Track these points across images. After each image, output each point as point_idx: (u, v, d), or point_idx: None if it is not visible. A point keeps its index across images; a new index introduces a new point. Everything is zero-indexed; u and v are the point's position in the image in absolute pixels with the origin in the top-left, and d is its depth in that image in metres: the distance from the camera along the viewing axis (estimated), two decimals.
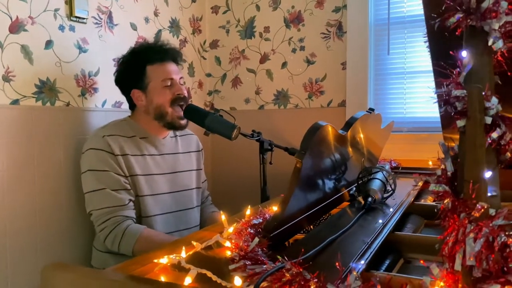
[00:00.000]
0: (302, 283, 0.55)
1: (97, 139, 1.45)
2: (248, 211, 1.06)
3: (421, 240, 1.00)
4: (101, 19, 1.76)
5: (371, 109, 1.26)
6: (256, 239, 0.72)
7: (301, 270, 0.57)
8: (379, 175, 1.21)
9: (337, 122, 2.08)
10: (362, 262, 0.73)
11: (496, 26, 0.56)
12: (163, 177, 1.55)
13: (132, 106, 1.60)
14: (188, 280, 0.63)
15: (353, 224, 0.96)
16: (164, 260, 0.70)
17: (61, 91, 1.61)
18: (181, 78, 1.58)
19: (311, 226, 1.13)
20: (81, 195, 1.64)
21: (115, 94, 1.82)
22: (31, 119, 1.50)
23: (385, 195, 1.20)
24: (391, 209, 1.14)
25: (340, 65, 2.08)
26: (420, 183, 1.61)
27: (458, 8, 0.60)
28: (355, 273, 0.51)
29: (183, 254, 0.76)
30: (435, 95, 1.47)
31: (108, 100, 1.80)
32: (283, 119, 2.21)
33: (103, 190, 1.39)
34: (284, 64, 2.22)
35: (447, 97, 0.56)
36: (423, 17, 2.03)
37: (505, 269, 0.43)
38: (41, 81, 1.54)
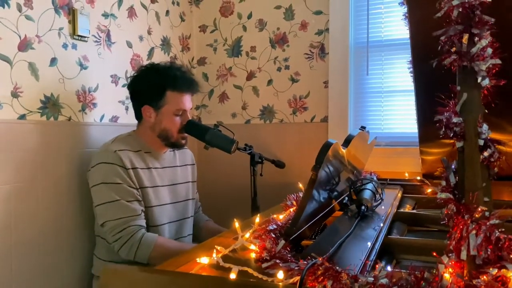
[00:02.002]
0: (335, 274, 0.67)
1: (108, 153, 1.52)
2: (257, 219, 1.18)
3: (411, 243, 1.14)
4: (100, 37, 1.84)
5: (363, 127, 1.41)
6: (283, 242, 0.83)
7: (330, 265, 0.69)
8: (369, 186, 1.35)
9: (320, 136, 2.24)
10: (371, 259, 0.85)
11: (483, 67, 0.71)
12: (165, 189, 1.64)
13: (139, 117, 1.68)
14: (232, 276, 0.73)
15: (353, 229, 1.08)
16: (205, 260, 0.81)
17: (63, 106, 1.67)
18: (191, 109, 1.69)
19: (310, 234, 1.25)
20: (83, 205, 1.71)
21: (112, 109, 1.91)
22: (37, 133, 1.56)
23: (375, 204, 1.34)
24: (382, 216, 1.28)
25: (323, 83, 2.24)
26: (399, 194, 1.77)
27: (452, 51, 0.75)
28: (381, 264, 0.63)
29: (214, 255, 0.87)
30: (415, 113, 1.63)
31: (105, 115, 1.87)
32: (268, 133, 2.34)
33: (118, 201, 1.47)
34: (269, 82, 2.35)
35: (446, 122, 0.70)
36: (399, 42, 2.22)
37: (500, 257, 0.57)
38: (46, 97, 1.60)
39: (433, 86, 1.33)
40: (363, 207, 1.25)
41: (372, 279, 0.63)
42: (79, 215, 1.70)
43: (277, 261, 0.78)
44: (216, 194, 2.28)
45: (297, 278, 0.70)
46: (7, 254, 1.45)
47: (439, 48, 0.79)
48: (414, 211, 1.56)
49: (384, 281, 0.60)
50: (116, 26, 1.93)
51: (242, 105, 2.42)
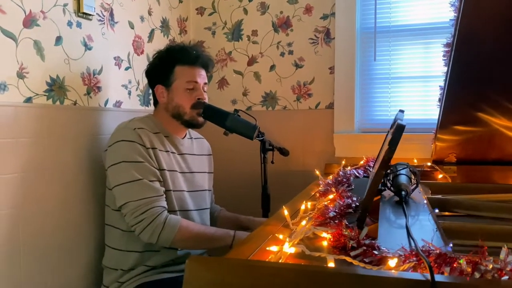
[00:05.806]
0: (449, 260, 0.63)
1: (128, 131, 1.44)
2: (303, 206, 1.13)
3: (462, 226, 1.12)
4: (104, 16, 1.72)
5: (402, 111, 1.37)
6: (366, 228, 0.79)
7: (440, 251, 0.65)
8: (403, 171, 1.32)
9: (325, 123, 2.21)
10: (451, 245, 0.82)
11: None
12: (181, 176, 1.56)
13: (156, 102, 1.61)
14: (331, 265, 0.68)
15: (406, 215, 1.05)
16: (291, 250, 0.75)
17: (69, 89, 1.55)
18: (205, 84, 1.60)
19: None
20: (92, 194, 1.60)
21: (116, 94, 1.79)
22: (43, 118, 1.43)
23: (411, 189, 1.32)
24: (420, 201, 1.26)
25: (328, 69, 2.20)
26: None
27: None
28: (506, 249, 0.60)
29: (287, 245, 0.81)
30: (438, 98, 1.61)
31: (109, 100, 1.75)
32: (271, 120, 2.28)
33: (141, 180, 1.38)
34: (272, 67, 2.29)
35: None
36: (408, 28, 2.19)
37: None
38: (52, 79, 1.47)
39: (472, 71, 1.32)
40: (403, 192, 1.22)
41: (498, 265, 0.59)
42: (87, 204, 1.59)
43: (366, 248, 0.74)
44: (225, 181, 2.19)
45: (407, 265, 0.65)
46: (15, 248, 1.33)
47: None
48: (440, 196, 1.55)
49: None
50: (118, 5, 1.80)
51: (243, 92, 2.35)
